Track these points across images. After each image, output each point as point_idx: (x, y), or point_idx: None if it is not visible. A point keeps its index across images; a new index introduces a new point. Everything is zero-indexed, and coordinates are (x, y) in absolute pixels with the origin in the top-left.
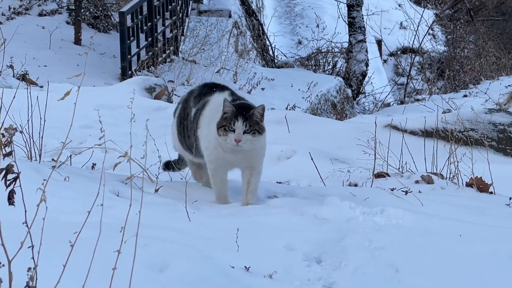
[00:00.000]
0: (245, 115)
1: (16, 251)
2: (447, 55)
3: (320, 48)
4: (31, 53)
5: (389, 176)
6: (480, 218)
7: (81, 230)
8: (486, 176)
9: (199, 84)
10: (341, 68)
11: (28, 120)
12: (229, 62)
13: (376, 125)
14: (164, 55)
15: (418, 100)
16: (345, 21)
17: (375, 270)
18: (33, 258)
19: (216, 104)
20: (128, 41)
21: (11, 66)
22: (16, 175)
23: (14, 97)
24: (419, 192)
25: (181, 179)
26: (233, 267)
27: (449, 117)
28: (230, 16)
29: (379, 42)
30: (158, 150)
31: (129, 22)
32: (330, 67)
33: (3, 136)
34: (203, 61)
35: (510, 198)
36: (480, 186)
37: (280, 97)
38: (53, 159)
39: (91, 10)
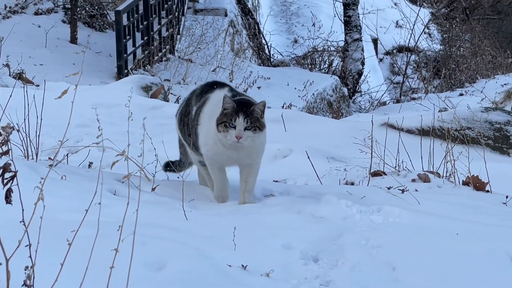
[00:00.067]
0: (246, 112)
1: (14, 250)
2: (443, 53)
3: (316, 47)
4: (27, 52)
5: (385, 174)
6: (476, 216)
7: (78, 228)
8: (482, 174)
9: (202, 84)
10: (337, 67)
11: (24, 119)
12: (225, 61)
13: (372, 124)
14: (160, 54)
15: (414, 98)
16: (341, 20)
17: (372, 269)
18: (30, 256)
19: (216, 101)
20: (124, 40)
21: (7, 65)
22: (14, 173)
23: (10, 95)
24: (416, 190)
25: (178, 177)
26: (230, 266)
27: (445, 115)
28: (226, 15)
29: (375, 41)
30: (155, 148)
31: (125, 21)
32: (326, 66)
33: (0, 134)
34: (199, 60)
35: (506, 197)
36: (477, 184)
37: (276, 96)
38: (49, 158)
39: (87, 8)
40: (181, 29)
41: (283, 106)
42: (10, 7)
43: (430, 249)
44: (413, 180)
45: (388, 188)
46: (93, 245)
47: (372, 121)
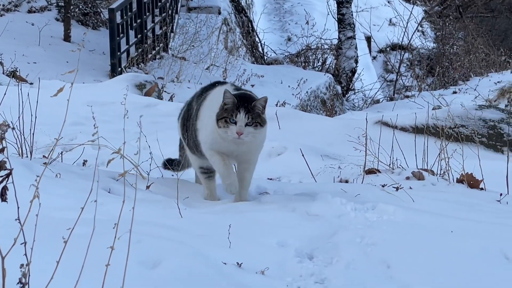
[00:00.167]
0: (247, 107)
1: (9, 248)
2: (436, 51)
3: (310, 45)
4: (21, 50)
5: (380, 172)
6: (471, 214)
7: (74, 226)
8: (476, 172)
9: (202, 86)
10: (331, 64)
11: (19, 117)
12: (219, 59)
13: (367, 122)
14: (153, 52)
15: (407, 96)
16: (334, 18)
17: (366, 266)
18: (25, 254)
19: (216, 95)
20: (118, 38)
21: (0, 63)
22: (9, 171)
23: (4, 94)
24: (410, 188)
25: (172, 175)
26: (225, 264)
27: (439, 113)
28: (219, 13)
29: (368, 39)
30: (149, 146)
31: (118, 19)
32: (320, 63)
33: None
34: (192, 58)
35: (500, 194)
36: (471, 182)
37: (269, 93)
38: (44, 156)
39: (80, 6)
40: (174, 27)
41: (276, 104)
42: (3, 5)
43: (425, 247)
44: (407, 178)
45: (383, 186)
46: (89, 243)
47: (366, 119)
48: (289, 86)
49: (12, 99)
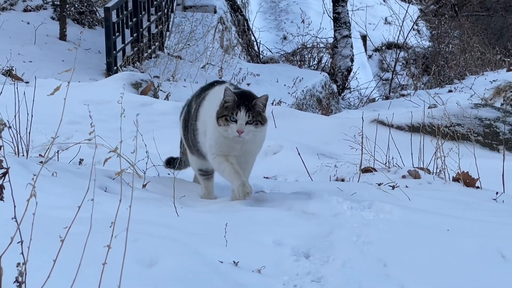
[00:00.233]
0: (247, 105)
1: (6, 247)
2: (432, 50)
3: (305, 44)
4: (16, 48)
5: (376, 171)
6: (467, 212)
7: (71, 225)
8: (472, 170)
9: (202, 85)
10: (326, 63)
11: (15, 116)
12: (215, 58)
13: (363, 120)
14: (149, 51)
15: (403, 95)
16: (330, 17)
17: (363, 265)
18: (22, 253)
19: (216, 94)
20: (114, 37)
21: None
22: (5, 170)
23: (0, 92)
24: (406, 187)
25: (168, 174)
26: (221, 262)
27: (435, 112)
28: (215, 12)
29: (364, 38)
30: (146, 145)
31: (114, 18)
32: (315, 62)
33: None
34: (188, 56)
35: (496, 193)
36: (467, 180)
37: (265, 92)
38: (40, 155)
39: (76, 5)
40: (170, 26)
41: (272, 103)
42: None
43: (421, 245)
44: (404, 177)
45: (379, 185)
46: (86, 242)
47: (362, 118)
48: (284, 85)
49: (8, 98)
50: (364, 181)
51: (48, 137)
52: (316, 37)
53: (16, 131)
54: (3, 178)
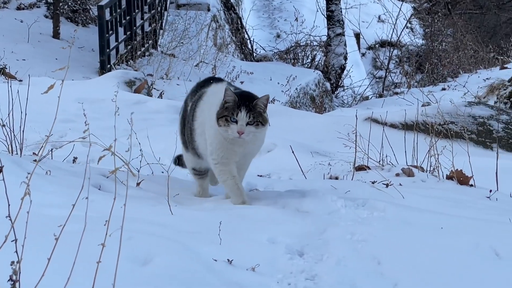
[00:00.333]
0: (248, 106)
1: (0, 245)
2: (425, 48)
3: (299, 42)
4: (10, 47)
5: (369, 169)
6: (461, 210)
7: (65, 223)
8: (466, 168)
9: (198, 81)
10: (320, 61)
11: (8, 114)
12: (208, 56)
13: (357, 118)
14: (143, 49)
15: (396, 93)
16: (323, 15)
17: (357, 263)
18: (16, 251)
19: (214, 93)
20: (107, 35)
21: None
22: None
23: None
24: (400, 185)
25: (162, 172)
26: (215, 260)
27: (429, 110)
28: (208, 10)
29: (357, 36)
30: (139, 143)
31: (107, 16)
32: (309, 60)
33: None
34: (182, 54)
35: (490, 191)
36: (461, 178)
37: (259, 90)
38: (34, 153)
39: (69, 3)
40: (163, 24)
41: None
42: None
43: (415, 243)
44: (397, 175)
45: (373, 183)
46: (80, 240)
47: (356, 116)
48: (278, 83)
49: (2, 96)
50: (358, 179)
51: (42, 136)
52: (310, 35)
53: (10, 130)
54: None
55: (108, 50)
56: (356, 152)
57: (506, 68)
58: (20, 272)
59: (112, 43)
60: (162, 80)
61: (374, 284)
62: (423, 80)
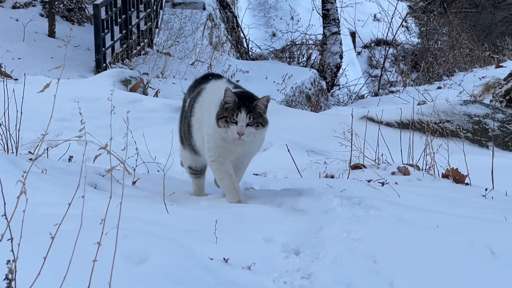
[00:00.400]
0: (248, 106)
1: None
2: (421, 47)
3: (295, 40)
4: (5, 45)
5: (365, 167)
6: (456, 209)
7: (61, 222)
8: (462, 167)
9: (196, 78)
10: (316, 60)
11: (4, 113)
12: (204, 55)
13: (352, 117)
14: (138, 48)
15: (392, 92)
16: (319, 13)
17: (353, 261)
18: (12, 250)
19: (213, 90)
20: (103, 34)
21: None
22: None
23: None
24: (396, 183)
25: (158, 171)
26: (211, 259)
27: (424, 108)
28: (204, 9)
29: (353, 34)
30: (135, 142)
31: (103, 15)
32: (305, 59)
33: None
34: (177, 53)
35: (485, 189)
36: (456, 177)
37: (255, 89)
38: (30, 152)
39: (65, 2)
40: (159, 23)
41: None
42: None
43: (411, 242)
44: (393, 173)
45: (368, 181)
46: (76, 239)
47: (352, 114)
48: (274, 82)
49: None
50: (354, 177)
51: (38, 134)
52: (305, 34)
53: (6, 128)
54: None
55: (103, 49)
56: (352, 150)
57: (502, 66)
58: (16, 271)
59: (108, 42)
60: (157, 79)
61: (370, 282)
62: (419, 78)
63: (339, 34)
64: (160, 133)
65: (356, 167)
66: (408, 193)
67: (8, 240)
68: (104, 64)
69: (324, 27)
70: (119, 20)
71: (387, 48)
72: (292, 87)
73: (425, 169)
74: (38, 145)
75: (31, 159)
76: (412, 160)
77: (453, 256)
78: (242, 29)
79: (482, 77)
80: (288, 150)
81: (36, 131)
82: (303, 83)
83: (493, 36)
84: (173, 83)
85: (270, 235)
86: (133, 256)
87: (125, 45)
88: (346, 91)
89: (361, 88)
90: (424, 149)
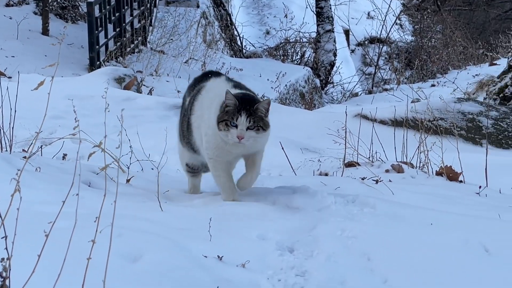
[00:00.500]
0: (249, 110)
1: None
2: (414, 45)
3: (288, 38)
4: None
5: (359, 165)
6: (450, 206)
7: (55, 220)
8: (455, 165)
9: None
10: (309, 58)
11: None
12: (198, 53)
13: (346, 115)
14: (132, 46)
15: (386, 89)
16: (313, 11)
17: (347, 259)
18: (6, 248)
19: (211, 88)
20: (96, 32)
21: None
22: None
23: None
24: (390, 181)
25: (152, 169)
26: (206, 257)
27: (418, 106)
28: (198, 6)
29: (346, 32)
30: (129, 140)
31: (97, 13)
32: (299, 57)
33: None
34: (171, 51)
35: (479, 187)
36: (450, 175)
37: (249, 87)
38: (24, 150)
39: (58, 0)
40: (153, 21)
41: None
42: None
43: (405, 239)
44: (387, 171)
45: (362, 179)
46: (71, 237)
47: (346, 112)
48: (268, 80)
49: None
50: (348, 175)
51: (32, 132)
52: (299, 31)
53: None
54: None
55: (97, 47)
56: (346, 148)
57: (495, 64)
58: (10, 269)
59: (102, 40)
60: (151, 76)
61: (364, 280)
62: (413, 76)
63: (333, 32)
64: (154, 131)
65: (350, 164)
66: (402, 191)
67: (2, 238)
68: (98, 62)
69: (318, 25)
70: (112, 18)
71: (381, 46)
72: (286, 85)
73: (419, 167)
74: (32, 143)
75: (25, 157)
76: (406, 158)
77: (447, 254)
78: (236, 27)
79: (476, 74)
80: (282, 148)
81: (30, 129)
82: (297, 81)
83: (486, 33)
84: (167, 81)
85: (264, 232)
86: (128, 254)
87: (119, 43)
88: (340, 89)
89: (355, 86)
90: (418, 146)
